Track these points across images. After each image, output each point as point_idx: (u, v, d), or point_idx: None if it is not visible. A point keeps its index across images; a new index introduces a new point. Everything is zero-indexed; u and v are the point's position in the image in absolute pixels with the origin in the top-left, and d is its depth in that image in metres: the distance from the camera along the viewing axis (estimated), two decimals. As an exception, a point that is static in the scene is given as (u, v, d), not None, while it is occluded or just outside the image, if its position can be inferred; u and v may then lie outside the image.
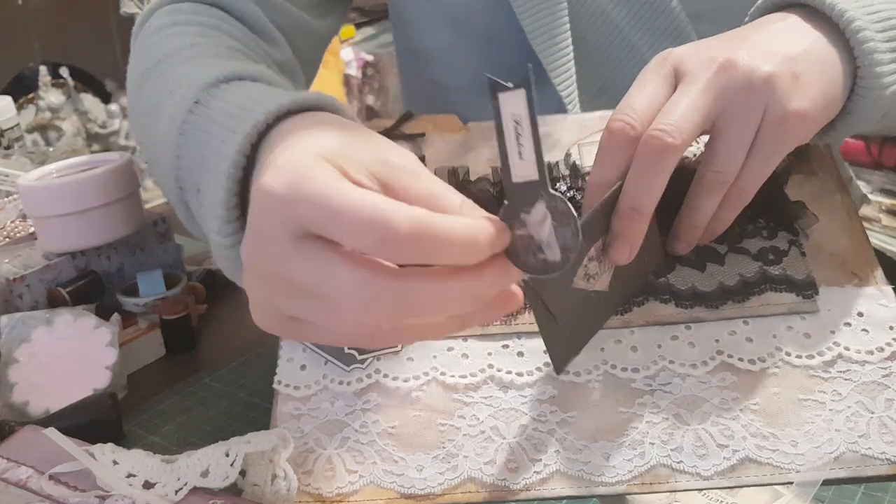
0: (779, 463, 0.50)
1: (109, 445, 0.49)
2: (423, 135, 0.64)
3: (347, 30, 2.36)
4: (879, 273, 0.56)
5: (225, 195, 0.46)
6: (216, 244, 0.48)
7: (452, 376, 0.54)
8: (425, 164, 0.60)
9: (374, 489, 0.51)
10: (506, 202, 0.38)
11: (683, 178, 0.51)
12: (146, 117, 0.59)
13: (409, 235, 0.36)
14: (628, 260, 0.49)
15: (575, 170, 0.60)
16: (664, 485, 0.50)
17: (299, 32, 0.73)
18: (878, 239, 1.31)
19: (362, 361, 0.55)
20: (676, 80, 0.51)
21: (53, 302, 0.70)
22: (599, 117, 0.64)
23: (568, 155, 0.62)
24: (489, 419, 0.52)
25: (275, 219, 0.39)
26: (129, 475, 0.47)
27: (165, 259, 0.79)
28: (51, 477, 0.48)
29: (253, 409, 0.62)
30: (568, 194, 0.58)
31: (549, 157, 0.61)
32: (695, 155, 0.55)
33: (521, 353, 0.55)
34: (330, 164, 0.39)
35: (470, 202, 0.39)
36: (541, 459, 0.51)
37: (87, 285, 0.73)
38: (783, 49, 0.50)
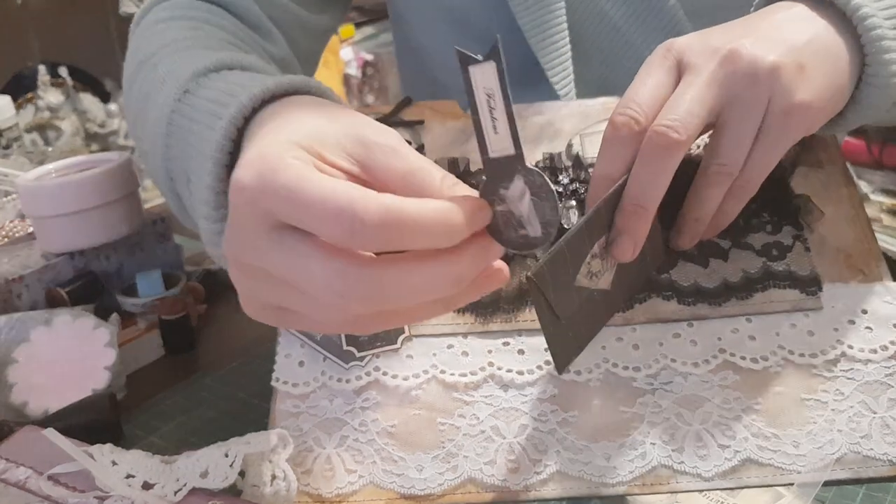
0: (780, 464, 0.49)
1: (108, 446, 0.49)
2: (422, 122, 0.63)
3: (347, 29, 2.36)
4: (884, 268, 0.56)
5: (212, 180, 0.46)
6: (205, 231, 0.48)
7: (452, 374, 0.54)
8: (425, 153, 0.60)
9: (373, 489, 0.50)
10: (484, 178, 0.38)
11: (686, 171, 0.51)
12: (138, 110, 0.60)
13: (378, 224, 0.35)
14: (632, 257, 0.49)
15: (578, 161, 0.59)
16: (665, 486, 0.49)
17: (296, 28, 0.73)
18: (879, 239, 1.31)
19: (361, 359, 0.54)
20: (680, 71, 0.50)
21: (52, 302, 0.70)
22: (602, 104, 0.63)
23: (570, 145, 0.61)
24: (489, 419, 0.52)
25: (248, 212, 0.38)
26: (128, 476, 0.47)
27: (165, 259, 0.79)
28: (50, 477, 0.48)
29: (252, 409, 0.62)
30: (571, 187, 0.58)
31: (550, 148, 0.61)
32: (698, 146, 0.54)
33: (521, 351, 0.54)
34: (305, 149, 0.38)
35: (452, 177, 0.39)
36: (541, 460, 0.51)
37: (86, 285, 0.73)
38: (788, 38, 0.50)
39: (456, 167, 0.60)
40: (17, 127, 1.13)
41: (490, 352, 0.54)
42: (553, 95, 0.72)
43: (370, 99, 2.39)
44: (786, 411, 0.51)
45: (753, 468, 0.49)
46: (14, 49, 1.94)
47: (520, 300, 0.55)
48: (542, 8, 0.70)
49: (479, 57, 0.36)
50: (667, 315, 0.55)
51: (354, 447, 0.52)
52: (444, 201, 0.37)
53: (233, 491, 0.47)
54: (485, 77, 0.36)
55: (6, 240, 0.79)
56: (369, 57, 2.38)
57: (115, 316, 0.67)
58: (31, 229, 0.78)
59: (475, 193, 0.38)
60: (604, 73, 0.75)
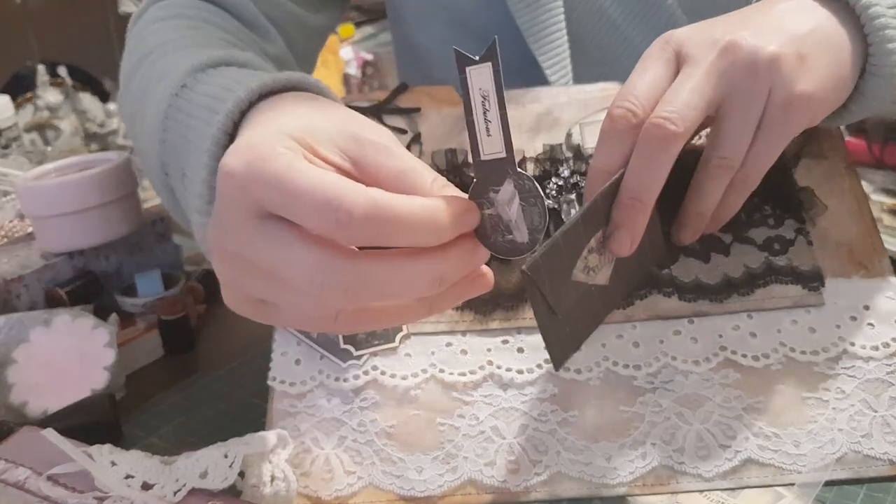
0: (781, 464, 0.49)
1: (108, 446, 0.49)
2: (418, 109, 0.62)
3: (347, 29, 2.36)
4: (887, 262, 0.55)
5: (207, 174, 0.46)
6: (197, 225, 0.48)
7: (451, 374, 0.53)
8: (421, 142, 0.60)
9: (373, 491, 0.50)
10: (475, 180, 0.38)
11: (685, 165, 0.50)
12: (135, 108, 0.60)
13: (364, 217, 0.35)
14: (629, 252, 0.48)
15: (578, 152, 0.59)
16: (665, 486, 0.49)
17: (294, 27, 0.73)
18: (879, 238, 1.31)
19: (358, 357, 0.54)
20: (678, 63, 0.50)
21: (51, 302, 0.70)
22: (601, 90, 0.62)
23: (569, 135, 0.60)
24: (489, 419, 0.52)
25: (235, 199, 0.38)
26: (128, 476, 0.47)
27: (164, 259, 0.79)
28: (49, 478, 0.48)
29: (252, 409, 0.61)
30: (572, 180, 0.57)
31: (549, 138, 0.60)
32: (699, 137, 0.54)
33: (521, 350, 0.54)
34: (297, 142, 0.38)
35: (442, 179, 0.38)
36: (541, 461, 0.50)
37: (86, 285, 0.73)
38: (789, 29, 0.49)
39: (455, 158, 0.59)
40: (17, 126, 1.13)
41: (489, 350, 0.54)
42: (552, 94, 0.72)
43: (370, 98, 2.39)
44: (787, 410, 0.51)
45: (754, 468, 0.49)
46: (13, 48, 1.94)
47: (519, 297, 0.55)
48: (540, 7, 0.70)
49: (476, 58, 0.36)
50: (667, 312, 0.54)
51: (353, 448, 0.51)
52: (432, 199, 0.37)
53: (232, 491, 0.47)
54: (481, 78, 0.36)
55: (5, 240, 0.79)
56: (369, 56, 2.38)
57: (114, 316, 0.67)
58: (30, 229, 0.78)
59: (465, 196, 0.38)
60: (602, 71, 0.75)
